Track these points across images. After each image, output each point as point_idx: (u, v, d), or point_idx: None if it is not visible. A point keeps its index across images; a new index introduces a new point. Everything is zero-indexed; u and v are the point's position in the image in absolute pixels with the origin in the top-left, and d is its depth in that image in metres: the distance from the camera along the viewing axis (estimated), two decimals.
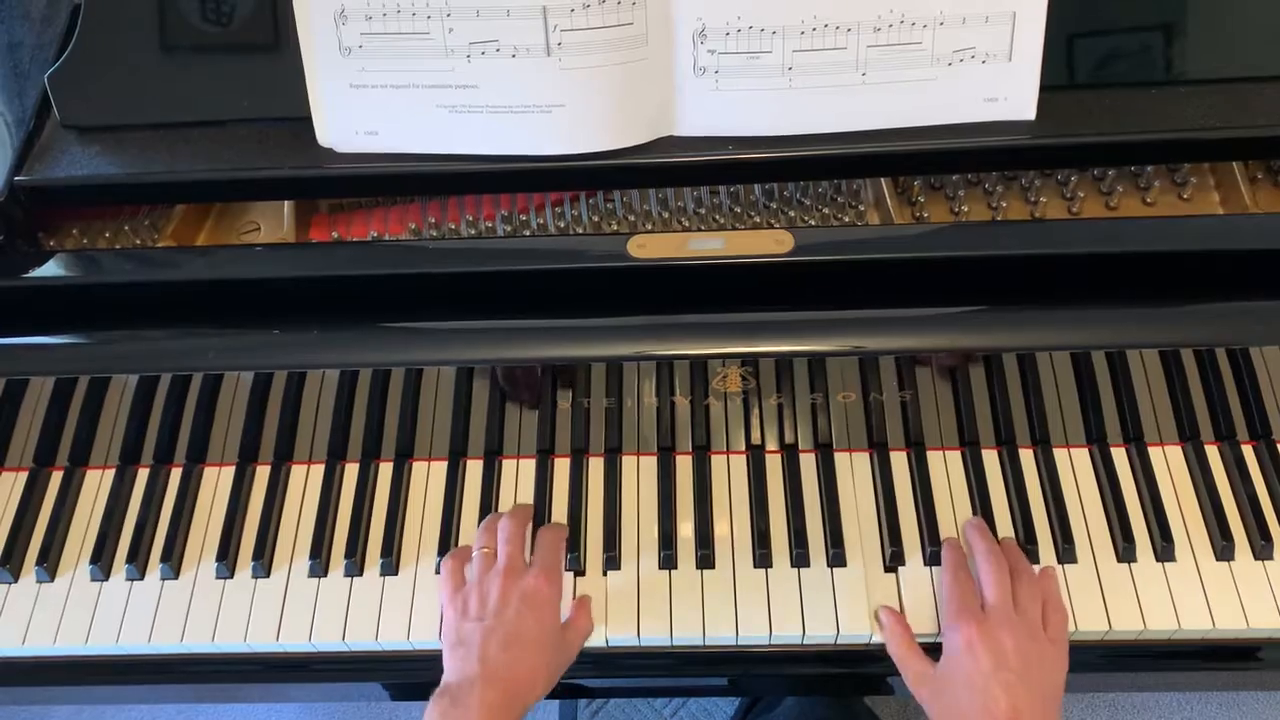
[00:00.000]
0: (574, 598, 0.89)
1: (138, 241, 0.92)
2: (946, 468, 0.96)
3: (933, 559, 0.90)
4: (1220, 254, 0.82)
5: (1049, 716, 0.77)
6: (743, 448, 0.97)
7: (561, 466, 0.97)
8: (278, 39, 0.84)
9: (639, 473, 0.96)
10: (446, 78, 0.80)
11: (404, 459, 0.98)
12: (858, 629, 0.87)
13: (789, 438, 0.97)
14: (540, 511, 0.94)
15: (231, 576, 0.93)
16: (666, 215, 0.92)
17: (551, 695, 0.84)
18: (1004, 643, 0.78)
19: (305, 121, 0.84)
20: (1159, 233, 0.84)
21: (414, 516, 0.95)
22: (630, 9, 0.77)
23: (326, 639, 0.89)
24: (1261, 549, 0.89)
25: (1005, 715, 0.74)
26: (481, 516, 0.94)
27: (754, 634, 0.88)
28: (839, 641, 0.88)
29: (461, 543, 0.93)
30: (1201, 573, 0.89)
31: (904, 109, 0.82)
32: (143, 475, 0.99)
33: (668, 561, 0.91)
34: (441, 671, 0.81)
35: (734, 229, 0.90)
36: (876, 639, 0.87)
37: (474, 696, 0.76)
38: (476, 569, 0.85)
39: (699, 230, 0.91)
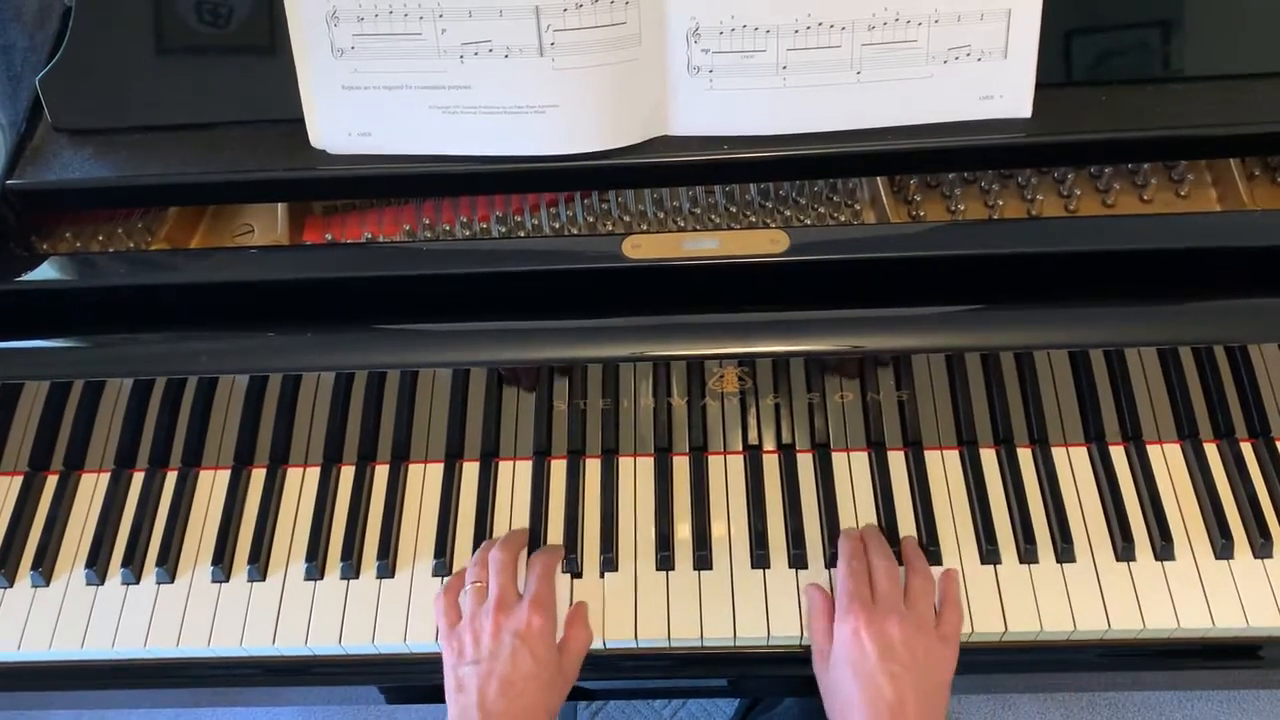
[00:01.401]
0: (570, 604, 0.89)
1: (131, 244, 0.92)
2: (944, 467, 0.95)
3: (931, 559, 0.90)
4: (1218, 251, 0.82)
5: (935, 711, 0.77)
6: (740, 448, 0.97)
7: (558, 468, 0.97)
8: (270, 41, 0.84)
9: (636, 474, 0.96)
10: (439, 79, 0.80)
11: (400, 461, 0.98)
12: None
13: (786, 438, 0.96)
14: (537, 513, 0.94)
15: (227, 580, 0.93)
16: (661, 215, 0.92)
17: None
18: (891, 634, 0.79)
19: (298, 123, 0.83)
20: (1156, 230, 0.83)
21: (410, 519, 0.95)
22: (623, 8, 0.77)
23: (323, 642, 0.89)
24: (1261, 547, 0.89)
25: (890, 705, 0.75)
26: (478, 519, 0.94)
27: (752, 635, 0.87)
28: None
29: (458, 546, 0.93)
30: (1201, 571, 0.89)
31: (899, 107, 0.81)
32: (138, 479, 0.99)
33: (665, 563, 0.91)
34: (439, 676, 0.81)
35: (729, 229, 0.90)
36: None
37: None
38: (469, 604, 0.85)
39: (694, 230, 0.90)
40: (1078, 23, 0.83)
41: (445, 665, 0.83)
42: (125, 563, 0.93)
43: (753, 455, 0.96)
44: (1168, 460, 0.95)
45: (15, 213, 0.86)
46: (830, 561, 0.90)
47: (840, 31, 0.79)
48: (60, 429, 0.96)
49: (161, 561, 0.93)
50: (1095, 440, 0.95)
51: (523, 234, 0.92)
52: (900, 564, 0.88)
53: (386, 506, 0.95)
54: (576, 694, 1.13)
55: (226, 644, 0.89)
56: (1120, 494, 0.92)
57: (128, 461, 0.99)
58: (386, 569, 0.92)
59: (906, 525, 0.92)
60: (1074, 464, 0.95)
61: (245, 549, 0.93)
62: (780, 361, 0.88)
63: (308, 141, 0.84)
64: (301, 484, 0.97)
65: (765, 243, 0.81)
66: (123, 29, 0.85)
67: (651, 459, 0.97)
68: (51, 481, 0.99)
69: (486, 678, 0.79)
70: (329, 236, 0.94)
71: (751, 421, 0.95)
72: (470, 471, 0.97)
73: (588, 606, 0.89)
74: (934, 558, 0.90)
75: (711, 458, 0.97)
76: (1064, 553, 0.90)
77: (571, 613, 0.87)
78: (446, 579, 0.90)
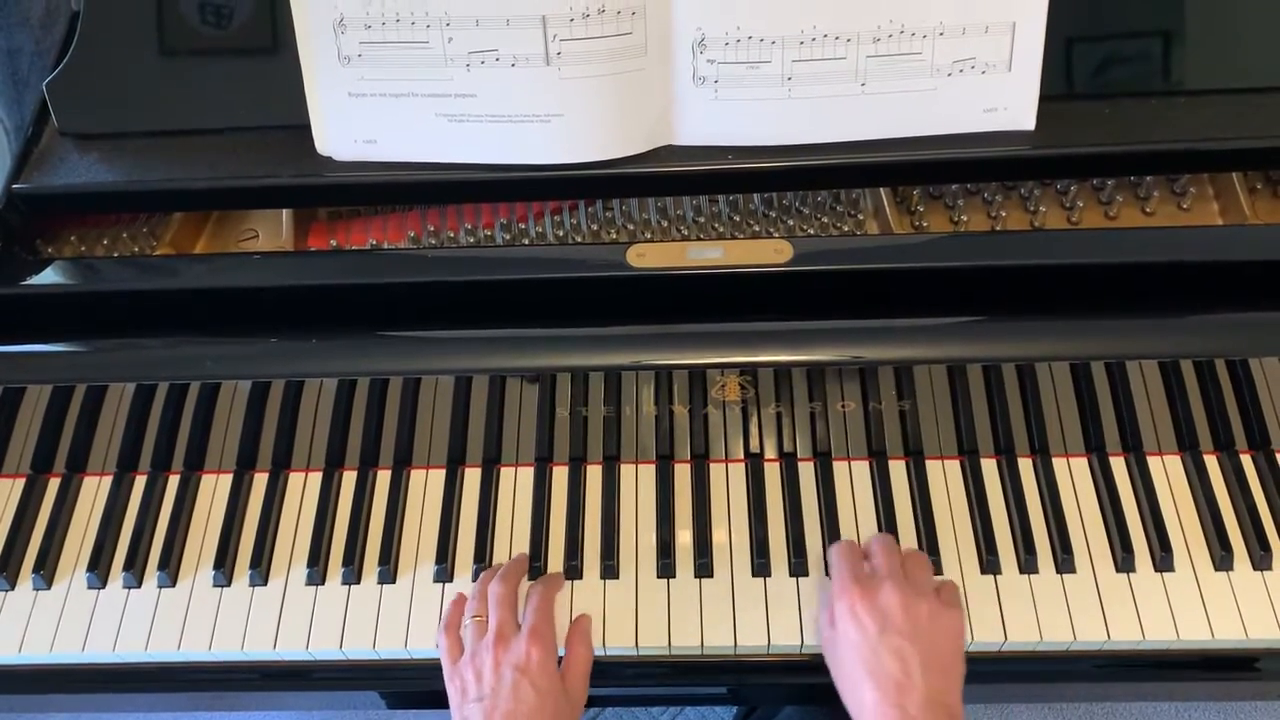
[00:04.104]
0: (570, 616, 0.89)
1: (136, 249, 0.92)
2: (945, 477, 0.96)
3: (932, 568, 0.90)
4: (1220, 264, 0.82)
5: (948, 682, 0.75)
6: (741, 456, 0.97)
7: (560, 475, 0.97)
8: (277, 47, 0.84)
9: (637, 481, 0.96)
10: (445, 87, 0.80)
11: (402, 466, 0.98)
12: None
13: (788, 446, 0.96)
14: (539, 520, 0.94)
15: (229, 584, 0.93)
16: (665, 224, 0.92)
17: None
18: (888, 602, 0.76)
19: (304, 129, 0.84)
20: (1158, 243, 0.84)
21: (412, 524, 0.95)
22: (630, 19, 0.77)
23: (323, 647, 0.89)
24: (1260, 559, 0.89)
25: (896, 680, 0.73)
26: (480, 525, 0.94)
27: (753, 643, 0.88)
28: None
29: (460, 552, 0.93)
30: (1200, 583, 0.89)
31: (903, 119, 0.82)
32: (140, 482, 0.99)
33: (666, 570, 0.91)
34: (440, 682, 0.81)
35: (733, 238, 0.90)
36: None
37: None
38: (469, 640, 0.84)
39: (698, 239, 0.90)
40: (1082, 36, 0.83)
41: (450, 703, 0.83)
42: (127, 566, 0.93)
43: (754, 463, 0.96)
44: (1168, 471, 0.95)
45: (21, 217, 0.87)
46: (829, 571, 0.90)
47: (845, 43, 0.79)
48: (63, 432, 0.96)
49: (163, 565, 0.93)
50: (1096, 451, 0.96)
51: (527, 242, 0.93)
52: None
53: (388, 512, 0.95)
54: None
55: (228, 648, 0.89)
56: (1120, 505, 0.93)
57: (130, 465, 0.99)
58: (388, 574, 0.92)
59: (907, 534, 0.92)
60: (1074, 474, 0.95)
61: (247, 553, 0.93)
62: (782, 370, 0.89)
63: (313, 148, 0.84)
64: (304, 489, 0.98)
65: (769, 252, 0.81)
66: (129, 34, 0.86)
67: (653, 466, 0.97)
68: (54, 484, 0.99)
69: (490, 714, 0.78)
70: (333, 243, 0.94)
71: (753, 430, 0.95)
72: (472, 477, 0.97)
73: (589, 621, 0.88)
74: (934, 567, 0.90)
75: (713, 465, 0.97)
76: (1064, 563, 0.90)
77: (571, 630, 0.87)
78: (446, 614, 0.89)
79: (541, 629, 0.83)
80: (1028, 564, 0.90)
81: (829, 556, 0.86)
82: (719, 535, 0.93)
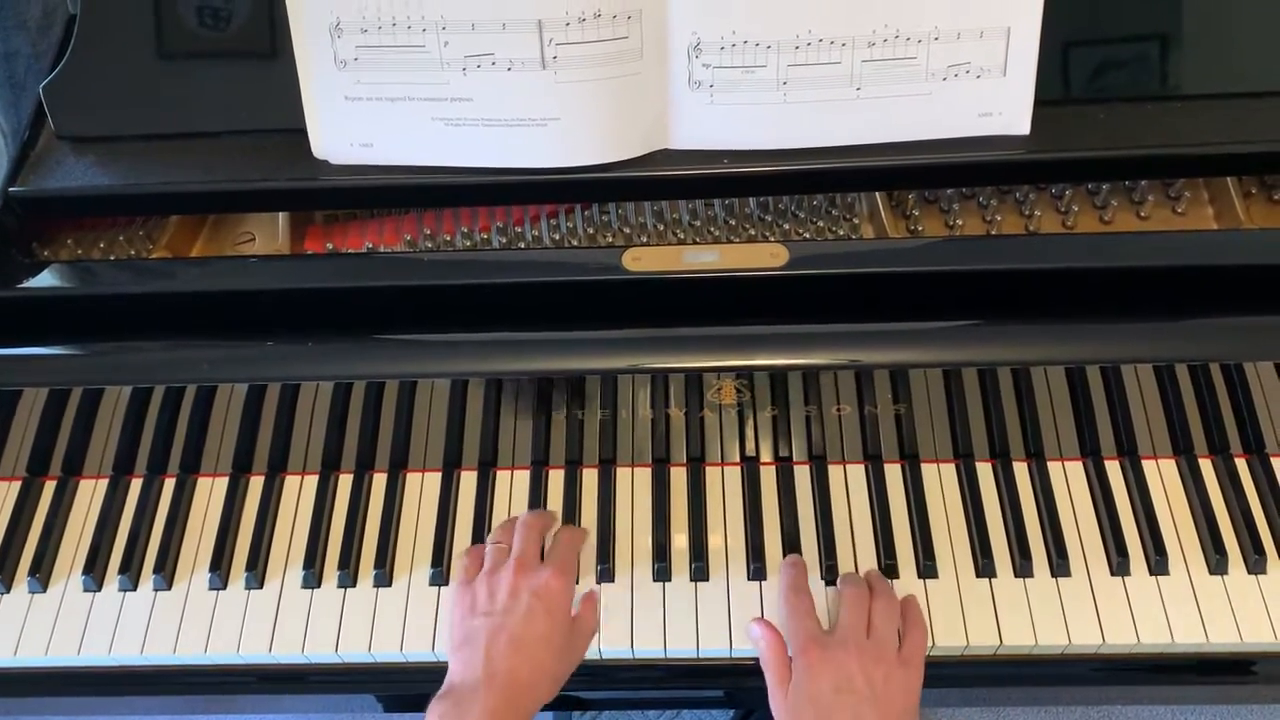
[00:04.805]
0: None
1: (132, 252, 0.92)
2: (941, 480, 0.96)
3: (927, 572, 0.90)
4: (1214, 269, 0.82)
5: None
6: (737, 460, 0.97)
7: (556, 478, 0.97)
8: (273, 51, 0.84)
9: (633, 484, 0.96)
10: (442, 90, 0.80)
11: (398, 469, 0.98)
12: None
13: (783, 450, 0.97)
14: None
15: (225, 587, 0.93)
16: (661, 228, 0.92)
17: (545, 706, 0.84)
18: (848, 665, 0.78)
19: (300, 133, 0.84)
20: (1153, 247, 0.84)
21: (408, 527, 0.95)
22: (626, 23, 0.78)
23: (320, 650, 0.89)
24: (1255, 563, 0.89)
25: None
26: (476, 527, 0.94)
27: (749, 646, 0.87)
28: None
29: (456, 554, 0.93)
30: (1195, 587, 0.89)
31: (898, 123, 0.82)
32: (136, 485, 0.99)
33: (662, 573, 0.91)
34: (437, 685, 0.81)
35: (729, 241, 0.91)
36: None
37: (476, 701, 0.75)
38: (489, 563, 0.84)
39: (694, 243, 0.91)
40: (1076, 40, 0.84)
41: (454, 619, 0.81)
42: (123, 569, 0.93)
43: (750, 467, 0.96)
44: (1163, 475, 0.95)
45: (18, 219, 0.87)
46: (825, 575, 0.90)
47: (840, 48, 0.79)
48: (59, 435, 0.96)
49: (159, 568, 0.93)
50: (1091, 455, 0.96)
51: (523, 245, 0.93)
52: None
53: (384, 515, 0.95)
54: (571, 704, 1.13)
55: (223, 651, 0.89)
56: (1115, 508, 0.93)
57: (126, 468, 0.99)
58: (383, 578, 0.92)
59: (902, 538, 0.92)
60: (1070, 478, 0.95)
61: (243, 556, 0.94)
62: (778, 374, 0.89)
63: (309, 151, 0.84)
64: (300, 491, 0.98)
65: (765, 256, 0.82)
66: (127, 38, 0.86)
67: (649, 470, 0.97)
68: (50, 487, 0.99)
69: (496, 632, 0.77)
70: (330, 246, 0.94)
71: (749, 433, 0.95)
72: (468, 480, 0.97)
73: (599, 597, 0.89)
74: (929, 571, 0.90)
75: (709, 469, 0.97)
76: (1059, 567, 0.90)
77: (585, 597, 0.87)
78: (443, 587, 0.90)
79: (566, 566, 0.83)
80: (1023, 568, 0.90)
81: (783, 604, 0.86)
82: (714, 539, 0.93)
